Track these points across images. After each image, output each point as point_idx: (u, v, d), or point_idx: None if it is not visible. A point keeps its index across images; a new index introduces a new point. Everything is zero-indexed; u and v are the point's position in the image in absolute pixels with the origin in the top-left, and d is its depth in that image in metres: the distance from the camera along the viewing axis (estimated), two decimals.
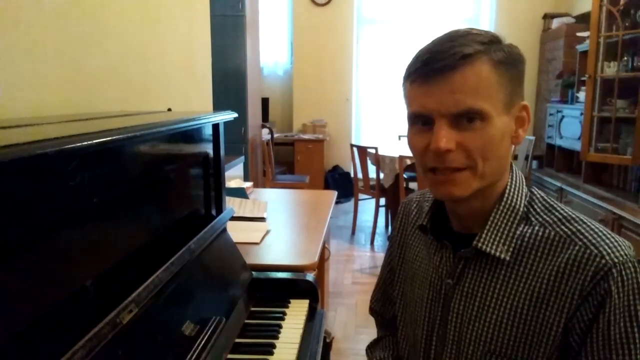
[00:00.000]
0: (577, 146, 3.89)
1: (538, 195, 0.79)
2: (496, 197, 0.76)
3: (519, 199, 0.77)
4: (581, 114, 3.76)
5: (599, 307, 0.68)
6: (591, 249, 0.69)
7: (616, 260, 0.68)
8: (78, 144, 0.63)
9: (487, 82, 0.68)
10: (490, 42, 0.70)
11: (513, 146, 0.76)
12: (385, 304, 1.03)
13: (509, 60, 0.70)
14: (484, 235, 0.75)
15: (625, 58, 3.33)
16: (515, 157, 4.38)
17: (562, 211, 0.76)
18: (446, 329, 0.80)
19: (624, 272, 0.68)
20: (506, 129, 0.71)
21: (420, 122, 0.72)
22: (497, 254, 0.74)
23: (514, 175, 0.78)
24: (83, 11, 1.27)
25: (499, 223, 0.75)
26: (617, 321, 0.67)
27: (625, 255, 0.69)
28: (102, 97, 1.37)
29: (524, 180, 0.80)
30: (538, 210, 0.77)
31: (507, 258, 0.74)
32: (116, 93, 1.45)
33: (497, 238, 0.75)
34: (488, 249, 0.74)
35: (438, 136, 0.68)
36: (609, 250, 0.69)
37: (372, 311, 1.07)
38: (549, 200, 0.78)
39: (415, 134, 0.74)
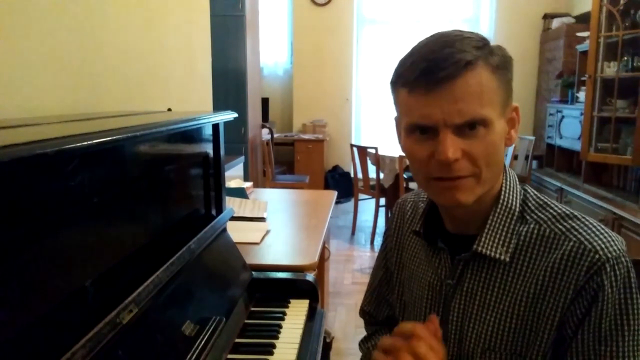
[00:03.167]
0: (577, 146, 3.89)
1: (531, 193, 0.80)
2: (492, 198, 0.77)
3: (514, 198, 0.77)
4: (581, 114, 3.76)
5: (591, 301, 0.69)
6: (585, 245, 0.70)
7: (609, 255, 0.69)
8: (78, 144, 0.63)
9: (488, 87, 0.68)
10: (484, 45, 0.69)
11: (507, 147, 0.76)
12: (380, 305, 1.02)
13: (503, 64, 0.70)
14: (483, 239, 0.76)
15: (625, 58, 3.32)
16: (515, 157, 4.38)
17: (556, 208, 0.77)
18: (447, 328, 0.80)
19: (616, 267, 0.69)
20: (503, 132, 0.72)
21: (419, 131, 0.71)
22: (497, 256, 0.75)
23: (508, 175, 0.79)
24: (83, 11, 1.27)
25: (497, 225, 0.76)
26: (608, 314, 0.69)
27: (618, 250, 0.70)
28: (102, 97, 1.37)
29: (516, 178, 0.81)
30: (532, 208, 0.78)
31: (507, 259, 0.75)
32: (116, 93, 1.45)
33: (497, 240, 0.75)
34: (488, 252, 0.75)
35: (445, 146, 0.67)
36: (603, 246, 0.70)
37: (364, 313, 1.06)
38: (542, 198, 0.79)
39: (414, 144, 0.72)
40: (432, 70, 0.66)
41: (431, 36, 0.71)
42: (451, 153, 0.67)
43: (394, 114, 0.79)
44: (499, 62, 0.69)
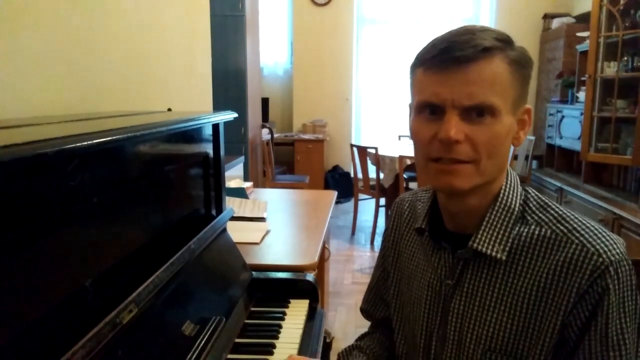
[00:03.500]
0: (577, 146, 3.89)
1: (533, 194, 0.80)
2: (491, 197, 0.77)
3: (514, 198, 0.77)
4: (581, 114, 3.75)
5: (596, 305, 0.69)
6: (588, 247, 0.70)
7: (612, 258, 0.69)
8: (78, 144, 0.63)
9: (502, 79, 0.69)
10: (506, 40, 0.70)
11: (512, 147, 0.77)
12: (376, 304, 1.02)
13: (522, 62, 0.71)
14: (479, 236, 0.76)
15: (625, 58, 3.32)
16: (515, 157, 4.38)
17: (557, 209, 0.77)
18: (446, 329, 0.80)
19: (619, 270, 0.69)
20: (510, 128, 0.72)
21: (429, 111, 0.72)
22: (493, 253, 0.75)
23: (509, 175, 0.79)
24: (83, 11, 1.27)
25: (495, 223, 0.76)
26: (614, 318, 0.69)
27: (621, 253, 0.70)
28: (102, 97, 1.37)
29: (518, 180, 0.81)
30: (533, 208, 0.78)
31: (503, 258, 0.75)
32: (116, 93, 1.45)
33: (493, 238, 0.75)
34: (484, 249, 0.75)
35: (448, 126, 0.68)
36: (606, 249, 0.70)
37: (363, 311, 1.06)
38: (543, 199, 0.79)
39: (421, 123, 0.73)
40: (450, 50, 0.68)
41: (458, 27, 0.73)
42: (453, 133, 0.68)
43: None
44: (518, 58, 0.70)
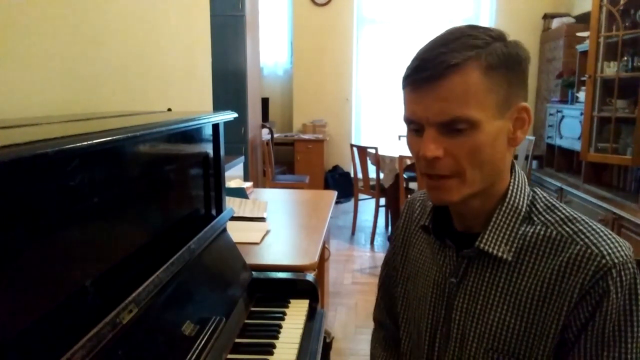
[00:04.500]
0: (577, 146, 3.89)
1: (540, 195, 0.79)
2: (498, 197, 0.77)
3: (521, 199, 0.77)
4: (581, 114, 3.76)
5: (596, 306, 0.69)
6: (592, 249, 0.70)
7: (616, 260, 0.69)
8: (78, 144, 0.63)
9: (476, 89, 0.67)
10: (485, 44, 0.68)
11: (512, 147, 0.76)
12: (389, 309, 1.02)
13: (505, 63, 0.69)
14: (486, 236, 0.76)
15: (625, 58, 3.32)
16: (515, 157, 4.38)
17: (564, 211, 0.76)
18: (450, 327, 0.81)
19: (622, 273, 0.68)
20: (499, 133, 0.71)
21: (413, 127, 0.73)
22: (499, 254, 0.75)
23: (516, 175, 0.79)
24: (83, 11, 1.27)
25: (501, 223, 0.76)
26: (612, 320, 0.68)
27: (625, 256, 0.70)
28: (102, 97, 1.37)
29: (526, 180, 0.80)
30: (540, 209, 0.77)
31: (509, 258, 0.75)
32: (116, 93, 1.45)
33: (499, 238, 0.75)
34: (490, 250, 0.75)
35: (425, 144, 0.69)
36: (610, 251, 0.69)
37: (374, 320, 1.07)
38: (551, 200, 0.79)
39: (411, 138, 0.75)
40: (420, 69, 0.69)
41: (443, 32, 0.72)
42: (430, 151, 0.69)
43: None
44: (498, 61, 0.68)
